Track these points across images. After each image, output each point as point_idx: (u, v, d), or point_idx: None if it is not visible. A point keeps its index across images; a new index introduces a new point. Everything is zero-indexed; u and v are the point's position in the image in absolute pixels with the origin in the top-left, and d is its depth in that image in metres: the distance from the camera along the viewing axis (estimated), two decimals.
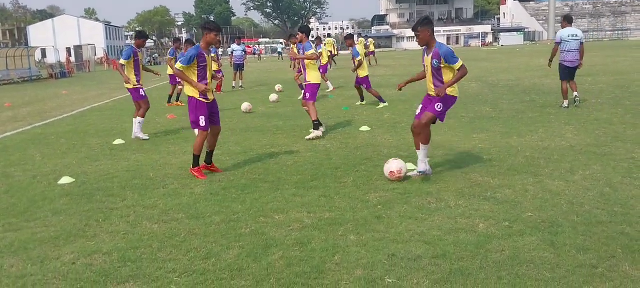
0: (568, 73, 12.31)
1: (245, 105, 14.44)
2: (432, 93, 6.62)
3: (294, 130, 10.86)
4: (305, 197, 6.17)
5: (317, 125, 10.05)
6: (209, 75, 7.28)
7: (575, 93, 12.46)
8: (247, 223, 5.34)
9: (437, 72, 6.53)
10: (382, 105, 14.00)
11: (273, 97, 17.03)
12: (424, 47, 6.64)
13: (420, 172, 6.75)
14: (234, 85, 22.36)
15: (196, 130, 7.47)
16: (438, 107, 6.59)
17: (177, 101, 16.71)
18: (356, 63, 14.21)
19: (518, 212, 5.33)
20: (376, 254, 4.44)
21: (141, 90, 10.54)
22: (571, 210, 5.32)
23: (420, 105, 6.86)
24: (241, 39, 27.41)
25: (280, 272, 4.18)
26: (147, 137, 10.56)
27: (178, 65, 7.13)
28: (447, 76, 6.48)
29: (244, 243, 4.82)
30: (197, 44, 7.25)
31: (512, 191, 6.02)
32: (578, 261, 4.15)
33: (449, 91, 6.53)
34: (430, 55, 6.50)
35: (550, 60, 12.79)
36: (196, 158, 7.29)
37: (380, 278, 4.00)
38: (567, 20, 12.46)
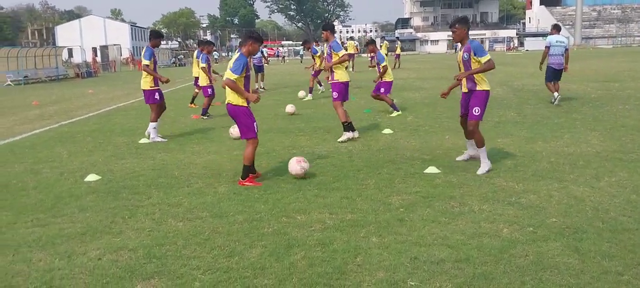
0: (554, 75, 14.06)
1: (290, 107, 14.21)
2: (465, 89, 7.27)
3: (316, 132, 10.90)
4: (327, 198, 6.19)
5: (347, 127, 9.73)
6: (250, 84, 7.09)
7: (556, 93, 14.00)
8: (269, 223, 5.38)
9: (466, 65, 7.16)
10: (395, 113, 13.32)
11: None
12: (457, 45, 7.08)
13: (484, 171, 7.12)
14: (263, 87, 22.68)
15: (245, 140, 7.16)
16: (476, 111, 7.19)
17: (191, 103, 16.74)
18: (382, 69, 13.69)
19: (542, 217, 5.29)
20: (398, 257, 4.44)
21: (156, 94, 10.39)
22: (596, 216, 5.26)
23: (461, 104, 7.49)
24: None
25: (302, 272, 4.21)
26: (166, 140, 10.48)
27: (231, 75, 6.72)
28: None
29: (266, 242, 4.86)
30: (241, 53, 6.95)
31: (537, 196, 5.97)
32: (603, 268, 4.10)
33: (481, 87, 7.15)
34: (462, 50, 7.19)
35: (541, 63, 14.46)
36: (247, 168, 6.98)
37: (402, 281, 4.00)
38: (556, 28, 14.49)
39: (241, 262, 4.45)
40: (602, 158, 7.74)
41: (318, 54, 13.85)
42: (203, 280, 4.13)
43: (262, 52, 22.84)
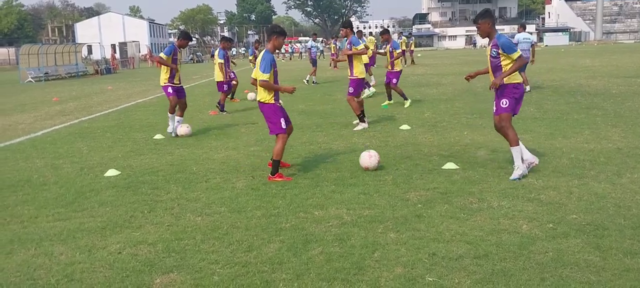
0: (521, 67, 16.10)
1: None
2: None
3: (333, 128, 10.89)
4: (345, 194, 6.19)
5: (362, 117, 10.41)
6: (277, 80, 7.11)
7: (528, 86, 15.45)
8: (287, 218, 5.39)
9: (494, 62, 6.63)
10: (407, 103, 13.77)
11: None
12: (475, 40, 6.74)
13: (517, 177, 6.46)
14: (307, 79, 22.93)
15: (276, 135, 7.13)
16: (503, 103, 6.62)
17: (232, 98, 16.70)
18: (395, 55, 13.87)
19: (562, 213, 5.23)
20: (416, 252, 4.43)
21: (169, 88, 10.48)
22: (618, 213, 5.19)
23: (494, 101, 6.86)
24: (315, 36, 28.50)
25: (319, 267, 4.22)
26: (175, 135, 10.54)
27: (262, 76, 6.85)
28: (506, 66, 6.55)
29: (284, 237, 4.88)
30: (266, 49, 7.04)
31: (557, 193, 5.91)
32: (625, 265, 4.05)
33: (510, 80, 6.56)
34: (490, 45, 6.64)
35: None
36: (277, 163, 6.97)
37: (420, 277, 3.99)
38: (522, 27, 17.12)
39: (259, 256, 4.47)
40: (624, 154, 7.64)
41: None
42: (221, 274, 4.16)
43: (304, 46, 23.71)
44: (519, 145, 6.62)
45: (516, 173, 6.50)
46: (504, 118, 6.63)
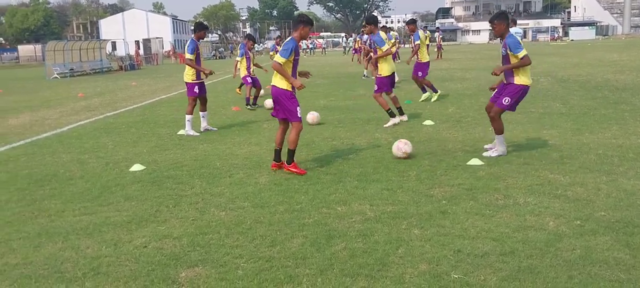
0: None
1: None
2: (505, 80, 7.46)
3: (355, 123, 10.86)
4: (368, 189, 6.16)
5: (391, 113, 10.27)
6: (296, 70, 7.05)
7: None
8: (310, 214, 5.39)
9: (505, 60, 7.35)
10: (434, 95, 13.85)
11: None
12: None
13: (494, 155, 7.44)
14: (365, 75, 22.88)
15: (291, 124, 7.14)
16: (505, 101, 7.37)
17: (239, 88, 16.93)
18: (415, 46, 13.54)
19: (590, 210, 5.14)
20: (441, 249, 4.39)
21: (195, 87, 10.30)
22: None
23: (496, 90, 7.68)
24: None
25: (343, 263, 4.21)
26: (198, 134, 10.35)
27: (278, 58, 6.79)
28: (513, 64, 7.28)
29: (307, 232, 4.87)
30: (291, 38, 7.00)
31: (584, 189, 5.81)
32: None
33: (519, 80, 7.28)
34: (502, 45, 7.40)
35: None
36: (292, 153, 6.99)
37: (445, 273, 3.95)
38: (513, 21, 16.22)
39: (283, 251, 4.47)
40: None
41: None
42: (246, 268, 4.17)
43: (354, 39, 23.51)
44: (503, 133, 7.51)
45: (494, 153, 7.46)
46: (497, 111, 7.43)
